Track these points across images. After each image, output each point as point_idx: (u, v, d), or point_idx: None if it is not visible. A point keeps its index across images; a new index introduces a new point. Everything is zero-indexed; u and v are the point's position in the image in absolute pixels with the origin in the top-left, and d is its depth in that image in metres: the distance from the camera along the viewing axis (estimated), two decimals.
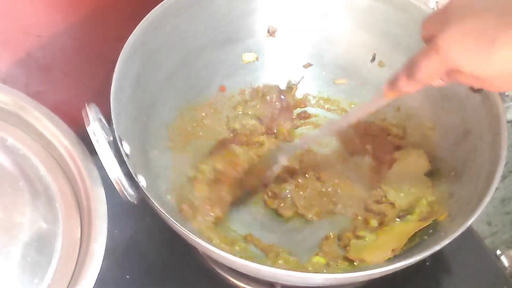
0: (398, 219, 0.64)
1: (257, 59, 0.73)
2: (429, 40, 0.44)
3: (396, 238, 0.60)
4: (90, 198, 0.53)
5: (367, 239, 0.62)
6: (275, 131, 0.72)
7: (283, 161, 0.66)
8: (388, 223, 0.63)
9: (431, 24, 0.45)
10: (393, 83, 0.50)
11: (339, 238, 0.64)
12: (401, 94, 0.50)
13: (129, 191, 0.50)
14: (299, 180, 0.68)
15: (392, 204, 0.65)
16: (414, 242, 0.59)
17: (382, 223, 0.64)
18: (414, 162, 0.67)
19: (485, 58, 0.41)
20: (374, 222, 0.64)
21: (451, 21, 0.42)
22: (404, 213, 0.64)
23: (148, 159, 0.62)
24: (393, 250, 0.58)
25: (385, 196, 0.66)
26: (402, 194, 0.65)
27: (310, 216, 0.66)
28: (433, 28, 0.44)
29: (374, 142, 0.71)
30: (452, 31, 0.42)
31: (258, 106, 0.72)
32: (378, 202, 0.66)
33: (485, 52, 0.40)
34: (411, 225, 0.61)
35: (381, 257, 0.58)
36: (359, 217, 0.65)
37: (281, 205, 0.66)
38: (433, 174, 0.66)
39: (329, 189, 0.68)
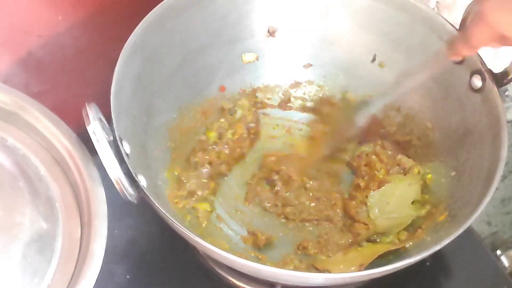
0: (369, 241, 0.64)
1: (257, 59, 0.73)
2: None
3: (364, 256, 0.60)
4: (90, 198, 0.53)
5: (336, 256, 0.62)
6: None
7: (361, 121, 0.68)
8: (359, 243, 0.63)
9: None
10: (452, 46, 0.56)
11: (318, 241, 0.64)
12: (462, 56, 0.59)
13: (129, 191, 0.50)
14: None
15: (366, 225, 0.64)
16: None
17: (353, 243, 0.64)
18: (405, 188, 0.66)
19: None
20: (345, 241, 0.64)
21: None
22: (378, 236, 0.64)
23: (148, 159, 0.62)
24: (360, 265, 0.58)
25: (366, 212, 0.66)
26: (384, 216, 0.65)
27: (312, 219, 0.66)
28: None
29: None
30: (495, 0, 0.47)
31: None
32: (354, 219, 0.65)
33: None
34: (382, 246, 0.61)
35: (346, 270, 0.59)
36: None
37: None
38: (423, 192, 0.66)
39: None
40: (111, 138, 0.51)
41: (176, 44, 0.66)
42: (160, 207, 0.51)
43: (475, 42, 0.52)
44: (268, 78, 0.74)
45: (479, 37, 0.51)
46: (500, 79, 0.60)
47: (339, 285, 0.63)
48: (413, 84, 0.64)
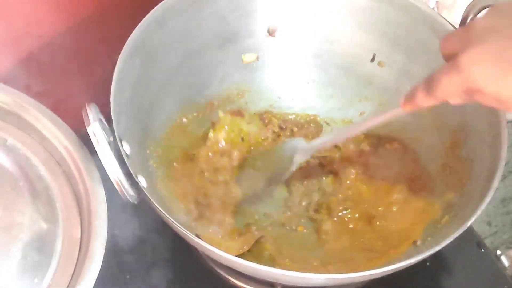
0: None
1: (257, 59, 0.73)
2: (449, 58, 0.44)
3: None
4: (90, 198, 0.53)
5: None
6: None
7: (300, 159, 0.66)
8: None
9: (452, 43, 0.45)
10: (411, 96, 0.50)
11: None
12: (418, 108, 0.50)
13: (129, 192, 0.50)
14: None
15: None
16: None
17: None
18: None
19: (505, 80, 0.41)
20: None
21: (473, 41, 0.42)
22: None
23: (148, 159, 0.62)
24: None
25: None
26: None
27: None
28: (455, 46, 0.44)
29: None
30: (474, 52, 0.42)
31: None
32: None
33: (505, 74, 0.41)
34: None
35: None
36: None
37: None
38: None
39: None
40: (111, 138, 0.51)
41: (176, 44, 0.66)
42: (160, 207, 0.51)
43: (440, 94, 0.46)
44: (268, 79, 0.74)
45: (447, 88, 0.45)
46: None
47: (339, 285, 0.63)
48: (367, 127, 0.60)
